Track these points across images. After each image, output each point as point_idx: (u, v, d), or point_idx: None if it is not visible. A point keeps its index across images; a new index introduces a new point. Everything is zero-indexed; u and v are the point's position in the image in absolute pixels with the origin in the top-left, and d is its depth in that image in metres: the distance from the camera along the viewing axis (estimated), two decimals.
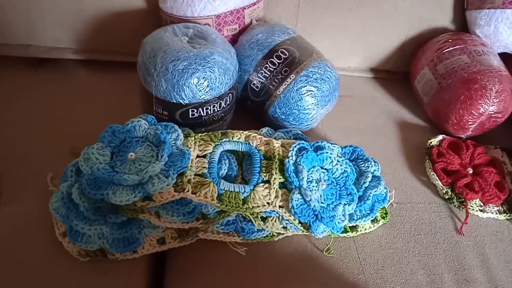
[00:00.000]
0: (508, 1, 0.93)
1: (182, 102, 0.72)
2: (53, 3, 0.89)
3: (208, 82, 0.71)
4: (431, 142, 0.89)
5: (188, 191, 0.61)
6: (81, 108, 0.87)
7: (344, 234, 0.71)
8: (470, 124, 0.89)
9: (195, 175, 0.64)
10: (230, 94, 0.77)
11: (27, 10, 0.90)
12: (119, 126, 0.66)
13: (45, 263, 0.63)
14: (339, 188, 0.69)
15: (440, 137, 0.91)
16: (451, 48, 0.94)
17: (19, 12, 0.90)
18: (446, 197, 0.80)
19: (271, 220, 0.66)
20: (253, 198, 0.64)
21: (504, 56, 0.98)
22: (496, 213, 0.80)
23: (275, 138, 0.75)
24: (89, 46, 0.96)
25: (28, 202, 0.70)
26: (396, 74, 1.11)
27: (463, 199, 0.79)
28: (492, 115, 0.88)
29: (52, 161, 0.74)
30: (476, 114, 0.87)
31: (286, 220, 0.65)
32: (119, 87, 0.91)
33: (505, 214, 0.80)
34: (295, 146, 0.69)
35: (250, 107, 0.85)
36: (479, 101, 0.86)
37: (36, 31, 0.93)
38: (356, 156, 0.76)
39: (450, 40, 0.96)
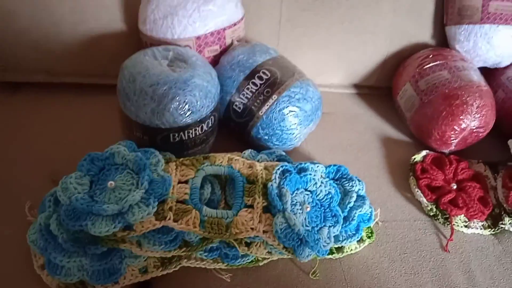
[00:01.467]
0: (486, 17, 0.94)
1: (163, 127, 0.71)
2: (29, 27, 0.88)
3: (189, 105, 0.70)
4: (414, 158, 0.90)
5: (169, 219, 0.60)
6: (60, 133, 0.86)
7: (330, 256, 0.70)
8: (453, 139, 0.89)
9: (177, 201, 0.63)
10: (212, 117, 0.76)
11: (2, 33, 0.88)
12: (98, 153, 0.65)
13: None
14: (323, 210, 0.68)
15: (424, 152, 0.91)
16: (431, 64, 0.95)
17: None
18: (431, 213, 0.80)
19: (256, 246, 0.65)
20: (236, 224, 0.63)
21: (484, 71, 0.99)
22: (481, 229, 0.80)
23: (258, 161, 0.74)
24: (68, 69, 0.95)
25: (5, 232, 0.68)
26: (378, 89, 1.12)
27: (447, 215, 0.79)
28: (474, 130, 0.88)
29: (30, 189, 0.72)
30: (458, 129, 0.87)
31: (271, 245, 0.65)
32: (99, 111, 0.90)
33: (489, 229, 0.80)
34: (278, 169, 0.68)
35: (233, 128, 0.84)
36: (461, 117, 0.86)
37: (12, 55, 0.92)
38: (340, 175, 0.75)
39: (431, 56, 0.97)
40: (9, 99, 0.94)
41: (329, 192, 0.69)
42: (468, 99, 0.86)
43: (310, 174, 0.69)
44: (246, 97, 0.80)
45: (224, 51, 0.88)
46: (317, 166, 0.73)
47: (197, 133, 0.74)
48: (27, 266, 0.63)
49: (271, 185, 0.66)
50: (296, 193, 0.68)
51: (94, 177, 0.64)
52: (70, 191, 0.60)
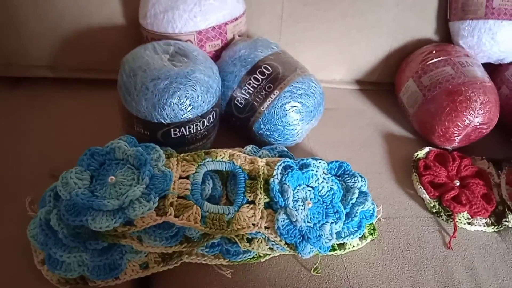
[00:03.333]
0: (490, 12, 0.93)
1: (164, 122, 0.70)
2: (30, 21, 0.87)
3: (190, 101, 0.70)
4: (417, 155, 0.89)
5: (170, 214, 0.59)
6: (60, 128, 0.85)
7: (332, 252, 0.70)
8: (456, 136, 0.89)
9: (178, 197, 0.62)
10: (213, 112, 0.75)
11: (2, 27, 0.88)
12: (99, 148, 0.64)
13: None
14: (325, 206, 0.68)
15: (427, 149, 0.90)
16: (435, 60, 0.94)
17: None
18: (434, 210, 0.80)
19: (257, 242, 0.65)
20: (238, 219, 0.62)
21: (487, 66, 0.98)
22: (484, 226, 0.79)
23: (259, 156, 0.73)
24: (69, 64, 0.95)
25: (6, 227, 0.67)
26: (381, 85, 1.11)
27: (450, 212, 0.78)
28: (478, 127, 0.87)
29: (31, 184, 0.72)
30: (461, 125, 0.87)
31: (273, 241, 0.64)
32: (99, 106, 0.89)
33: (493, 227, 0.79)
34: (280, 165, 0.68)
35: (235, 123, 0.84)
36: (464, 113, 0.85)
37: (12, 50, 0.91)
38: (342, 172, 0.75)
39: (434, 52, 0.97)
40: (10, 94, 0.94)
41: (331, 188, 0.69)
42: (471, 95, 0.86)
43: (312, 170, 0.69)
44: (248, 93, 0.79)
45: (226, 46, 0.88)
46: (319, 162, 0.72)
47: (198, 129, 0.74)
48: (27, 261, 0.62)
49: (273, 181, 0.65)
50: (298, 189, 0.67)
51: (95, 172, 0.63)
52: (71, 186, 0.59)
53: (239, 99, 0.80)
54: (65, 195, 0.59)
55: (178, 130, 0.71)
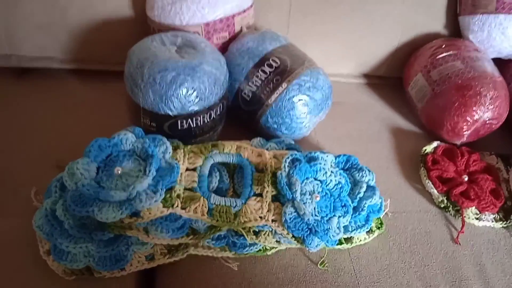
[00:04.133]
0: (501, 7, 0.92)
1: (171, 114, 0.70)
2: (34, 12, 0.87)
3: (197, 92, 0.69)
4: (425, 149, 0.88)
5: (177, 206, 0.59)
6: (66, 119, 0.85)
7: (339, 246, 0.69)
8: (465, 131, 0.88)
9: (185, 189, 0.62)
10: (221, 104, 0.75)
11: (7, 18, 0.87)
12: (105, 139, 0.64)
13: (29, 282, 0.61)
14: (333, 200, 0.67)
15: (435, 143, 0.90)
16: (444, 54, 0.93)
17: None
18: (442, 205, 0.79)
19: (264, 234, 0.64)
20: (245, 212, 0.62)
21: (497, 62, 0.97)
22: (492, 221, 0.79)
23: (267, 149, 0.73)
24: (74, 55, 0.94)
25: (11, 219, 0.67)
26: (389, 79, 1.10)
27: (459, 208, 0.78)
28: (487, 122, 0.87)
29: (36, 175, 0.71)
30: (470, 120, 0.86)
31: (280, 234, 0.64)
32: (106, 97, 0.89)
33: (501, 222, 0.79)
34: (288, 158, 0.67)
35: (242, 116, 0.83)
36: (474, 108, 0.85)
37: (18, 40, 0.91)
38: (350, 165, 0.74)
39: (444, 46, 0.95)
40: (14, 85, 0.93)
41: (339, 182, 0.68)
42: (481, 90, 0.85)
43: (320, 164, 0.68)
44: (255, 85, 0.79)
45: (233, 38, 0.87)
46: (327, 156, 0.71)
47: (205, 121, 0.73)
48: (33, 251, 0.62)
49: (281, 174, 0.65)
50: (305, 182, 0.67)
51: (101, 163, 0.63)
52: (77, 176, 0.59)
53: (246, 91, 0.80)
54: (71, 185, 0.59)
55: (185, 122, 0.71)
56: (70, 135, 0.80)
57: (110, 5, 0.89)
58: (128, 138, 0.65)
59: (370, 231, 0.72)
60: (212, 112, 0.73)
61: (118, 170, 0.61)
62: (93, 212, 0.57)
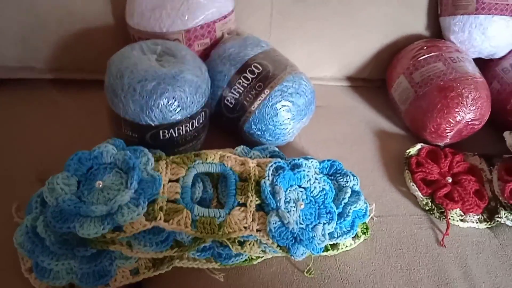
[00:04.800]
0: (481, 7, 0.93)
1: (152, 124, 0.69)
2: (12, 21, 0.85)
3: (178, 102, 0.68)
4: (409, 152, 0.88)
5: (160, 219, 0.58)
6: (46, 131, 0.83)
7: (325, 253, 0.69)
8: (448, 132, 0.88)
9: (168, 201, 0.61)
10: (203, 113, 0.74)
11: None
12: (85, 152, 0.63)
13: None
14: (318, 207, 0.67)
15: (419, 146, 0.90)
16: (426, 56, 0.94)
17: None
18: (427, 208, 0.79)
19: (249, 244, 0.64)
20: (229, 222, 0.61)
21: (478, 62, 0.98)
22: (477, 222, 0.79)
23: (251, 157, 0.72)
24: (54, 65, 0.92)
25: None
26: (372, 82, 1.10)
27: (443, 210, 0.78)
28: (469, 123, 0.87)
29: (17, 189, 0.70)
30: (453, 122, 0.86)
31: (265, 243, 0.63)
32: (86, 107, 0.87)
33: (485, 223, 0.79)
34: (271, 166, 0.67)
35: (225, 123, 0.83)
36: (456, 109, 0.85)
37: None
38: (334, 171, 0.74)
39: (425, 47, 0.96)
40: None
41: (323, 189, 0.68)
42: (463, 91, 0.85)
43: (304, 171, 0.68)
44: (238, 92, 0.78)
45: (215, 44, 0.86)
46: (311, 162, 0.71)
47: (188, 130, 0.72)
48: (14, 269, 0.61)
49: (264, 182, 0.64)
50: (289, 190, 0.66)
51: (82, 177, 0.62)
52: (57, 192, 0.58)
53: (229, 98, 0.79)
54: (52, 201, 0.58)
55: (167, 131, 0.70)
56: (51, 147, 0.78)
57: (89, 13, 0.88)
58: (109, 151, 0.63)
59: (356, 237, 0.72)
60: (194, 121, 0.72)
61: (99, 183, 0.60)
62: (74, 228, 0.56)
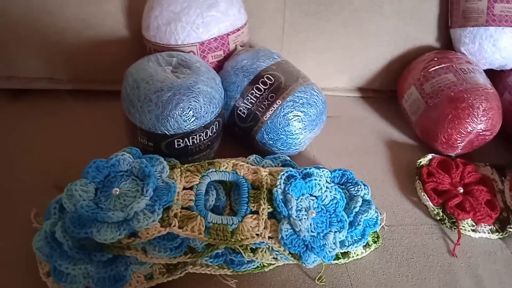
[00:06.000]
0: (492, 19, 0.93)
1: (167, 133, 0.71)
2: (32, 33, 0.88)
3: (193, 112, 0.70)
4: (420, 162, 0.89)
5: (174, 225, 0.60)
6: (64, 140, 0.86)
7: (336, 261, 0.70)
8: (459, 143, 0.89)
9: (182, 208, 0.63)
10: (217, 122, 0.76)
11: (5, 40, 0.89)
12: (103, 160, 0.65)
13: None
14: (329, 216, 0.68)
15: (430, 156, 0.90)
16: (437, 67, 0.94)
17: None
18: (438, 218, 0.80)
19: (261, 252, 0.65)
20: (241, 230, 0.62)
21: (489, 73, 0.98)
22: (489, 233, 0.79)
23: (263, 166, 0.74)
24: (72, 76, 0.95)
25: (10, 240, 0.68)
26: (383, 93, 1.11)
27: (454, 220, 0.78)
28: (481, 133, 0.87)
29: (35, 196, 0.72)
30: (464, 132, 0.87)
31: (276, 250, 0.64)
32: (103, 117, 0.90)
33: (497, 233, 0.79)
34: (283, 174, 0.68)
35: (238, 133, 0.84)
36: (467, 120, 0.86)
37: (15, 62, 0.92)
38: (345, 180, 0.75)
39: (436, 59, 0.97)
40: (12, 106, 0.94)
41: (335, 197, 0.69)
42: (474, 102, 0.86)
43: (315, 179, 0.69)
44: (251, 102, 0.80)
45: (228, 56, 0.88)
46: (322, 171, 0.72)
47: (202, 139, 0.74)
48: (32, 273, 0.63)
49: (276, 191, 0.66)
50: (301, 199, 0.67)
51: (99, 184, 0.64)
52: (75, 198, 0.60)
53: (241, 109, 0.81)
54: (70, 207, 0.59)
55: (181, 141, 0.72)
56: (68, 156, 0.80)
57: (107, 26, 0.91)
58: (126, 159, 0.65)
59: (366, 245, 0.72)
60: (208, 131, 0.74)
61: (116, 190, 0.62)
62: (91, 233, 0.57)
